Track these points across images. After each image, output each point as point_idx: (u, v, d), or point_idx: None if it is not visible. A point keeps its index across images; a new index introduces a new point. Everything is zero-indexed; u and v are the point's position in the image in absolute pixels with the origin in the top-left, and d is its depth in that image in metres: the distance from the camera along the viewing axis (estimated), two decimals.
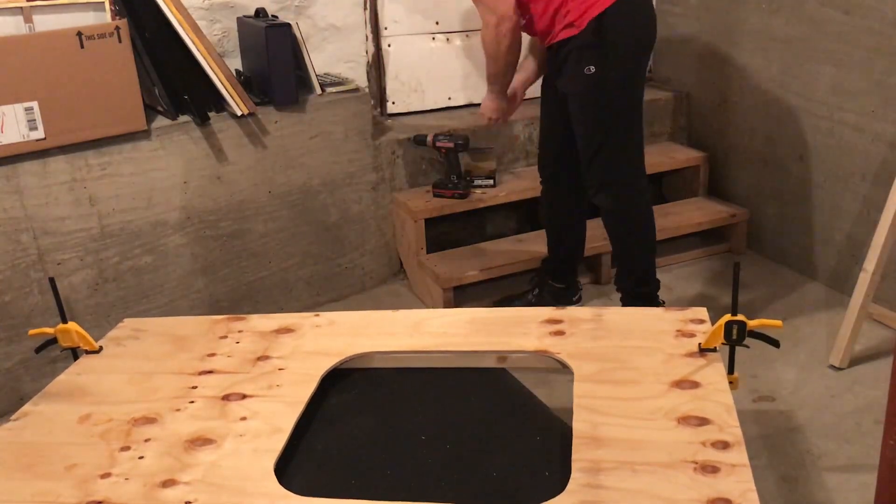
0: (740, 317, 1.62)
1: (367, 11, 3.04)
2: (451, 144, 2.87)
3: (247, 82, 2.71)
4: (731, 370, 1.63)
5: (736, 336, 1.62)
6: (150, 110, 2.55)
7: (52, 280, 1.83)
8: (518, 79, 2.50)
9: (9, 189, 2.30)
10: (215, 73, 2.50)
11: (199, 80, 2.51)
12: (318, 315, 1.96)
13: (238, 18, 2.77)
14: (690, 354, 1.65)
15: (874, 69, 2.57)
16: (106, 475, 1.40)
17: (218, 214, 2.66)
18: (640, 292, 2.44)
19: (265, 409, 1.58)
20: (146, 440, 1.50)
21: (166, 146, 2.51)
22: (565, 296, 2.72)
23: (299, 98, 2.70)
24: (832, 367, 2.40)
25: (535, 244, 2.92)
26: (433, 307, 2.82)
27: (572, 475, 1.32)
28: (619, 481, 1.31)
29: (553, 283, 2.72)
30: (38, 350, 1.86)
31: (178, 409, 1.59)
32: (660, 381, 1.57)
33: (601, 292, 2.95)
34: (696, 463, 1.33)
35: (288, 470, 1.43)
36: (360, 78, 3.05)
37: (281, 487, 1.36)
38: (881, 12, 2.51)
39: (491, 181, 2.97)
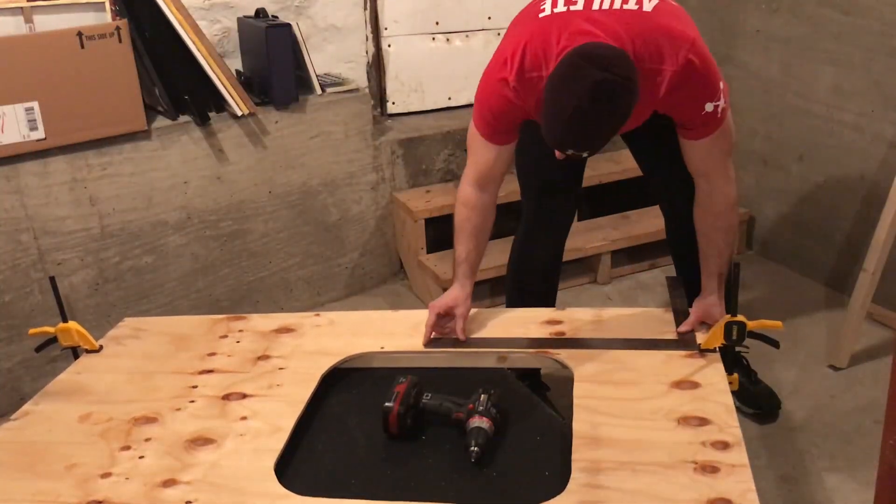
0: (740, 317, 1.62)
1: (367, 11, 3.04)
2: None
3: (247, 82, 2.71)
4: (730, 371, 1.63)
5: (736, 336, 1.62)
6: (150, 110, 2.54)
7: (52, 279, 1.83)
8: None
9: (9, 189, 2.30)
10: (215, 73, 2.50)
11: (199, 80, 2.51)
12: (318, 315, 1.96)
13: (238, 18, 2.77)
14: (690, 355, 1.65)
15: (873, 69, 2.57)
16: (106, 475, 1.40)
17: (218, 214, 2.66)
18: None
19: (265, 409, 1.58)
20: (146, 440, 1.50)
21: (166, 146, 2.51)
22: None
23: (299, 98, 2.70)
24: (832, 367, 2.40)
25: None
26: None
27: (572, 475, 1.32)
28: (619, 481, 1.31)
29: None
30: (39, 349, 1.86)
31: (178, 409, 1.59)
32: (660, 382, 1.57)
33: (601, 292, 2.95)
34: (696, 463, 1.33)
35: (288, 470, 1.43)
36: (360, 78, 3.05)
37: (281, 487, 1.36)
38: (880, 12, 2.51)
39: None
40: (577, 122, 1.46)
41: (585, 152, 1.56)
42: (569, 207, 2.15)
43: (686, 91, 1.62)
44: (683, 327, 1.74)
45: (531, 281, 2.16)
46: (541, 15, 1.64)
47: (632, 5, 1.62)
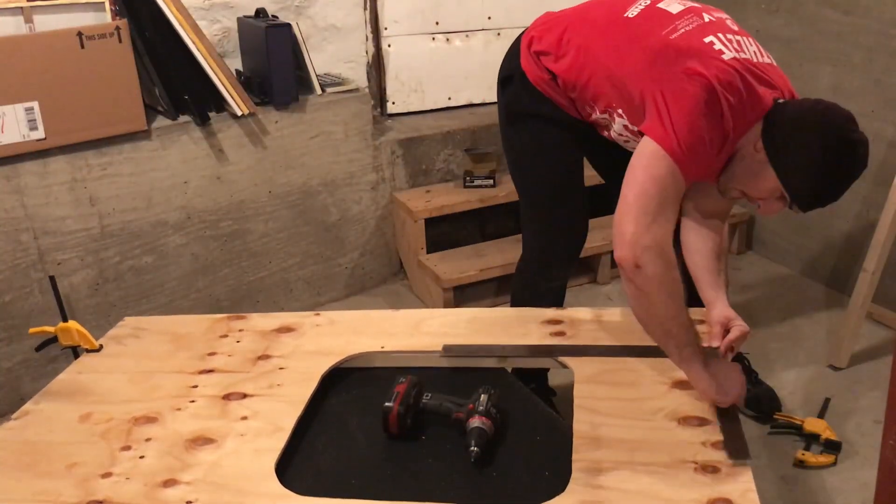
0: None
1: (367, 11, 3.04)
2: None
3: (247, 82, 2.71)
4: None
5: None
6: (150, 110, 2.55)
7: (52, 278, 1.83)
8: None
9: (9, 189, 2.30)
10: (215, 73, 2.50)
11: (199, 80, 2.52)
12: (318, 315, 1.96)
13: (238, 18, 2.77)
14: None
15: (873, 69, 2.57)
16: (107, 474, 1.40)
17: (218, 214, 2.66)
18: None
19: (266, 409, 1.58)
20: (147, 439, 1.50)
21: (166, 146, 2.51)
22: None
23: (299, 98, 2.70)
24: (832, 367, 2.41)
25: None
26: (433, 307, 2.82)
27: (573, 475, 1.32)
28: (619, 481, 1.31)
29: None
30: (39, 348, 1.86)
31: (178, 409, 1.59)
32: (660, 382, 1.57)
33: (601, 292, 2.95)
34: (697, 463, 1.33)
35: (288, 469, 1.43)
36: (360, 78, 3.05)
37: (281, 487, 1.36)
38: (880, 12, 2.51)
39: (491, 181, 2.97)
40: (847, 182, 1.66)
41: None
42: (580, 245, 2.12)
43: None
44: (720, 343, 1.61)
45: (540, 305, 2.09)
46: (724, 56, 1.62)
47: (766, 59, 1.77)
